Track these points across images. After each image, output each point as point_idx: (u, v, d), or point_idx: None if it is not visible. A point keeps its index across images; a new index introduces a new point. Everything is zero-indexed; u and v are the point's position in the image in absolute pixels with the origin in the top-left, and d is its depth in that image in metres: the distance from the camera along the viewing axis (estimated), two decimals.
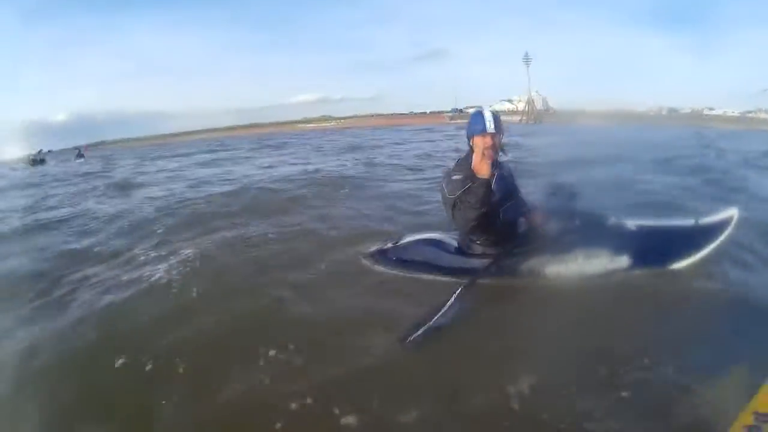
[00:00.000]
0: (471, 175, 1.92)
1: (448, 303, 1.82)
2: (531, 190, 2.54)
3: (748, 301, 1.91)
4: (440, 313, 1.78)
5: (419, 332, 1.68)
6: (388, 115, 61.83)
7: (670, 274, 2.14)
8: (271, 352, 1.67)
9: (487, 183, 1.84)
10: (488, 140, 2.02)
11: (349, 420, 1.29)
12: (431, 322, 1.73)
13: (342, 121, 61.44)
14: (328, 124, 56.95)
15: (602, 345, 1.60)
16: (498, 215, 2.08)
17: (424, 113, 58.56)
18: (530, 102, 42.13)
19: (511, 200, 2.18)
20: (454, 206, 1.98)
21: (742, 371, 1.35)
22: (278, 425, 1.31)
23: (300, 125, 56.50)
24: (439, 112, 55.44)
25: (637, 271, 2.11)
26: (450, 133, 16.54)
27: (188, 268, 2.58)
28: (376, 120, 56.16)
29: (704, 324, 1.74)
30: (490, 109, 2.08)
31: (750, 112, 38.73)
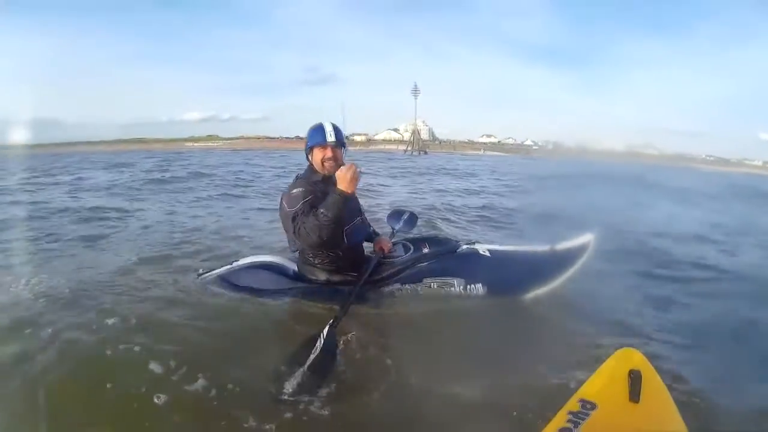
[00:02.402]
0: (313, 190, 1.83)
1: (318, 345, 1.53)
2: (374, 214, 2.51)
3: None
4: (312, 359, 1.50)
5: (294, 385, 1.41)
6: (277, 138, 60.89)
7: (522, 301, 2.15)
8: None
9: (347, 197, 1.71)
10: (328, 152, 1.94)
11: None
12: (304, 370, 1.45)
13: (229, 142, 58.52)
14: (214, 144, 53.79)
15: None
16: (342, 237, 1.94)
17: None
18: (415, 132, 44.64)
19: (355, 221, 2.06)
20: (294, 220, 1.77)
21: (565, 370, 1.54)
22: None
23: (187, 144, 52.34)
24: None
25: (492, 299, 2.09)
26: None
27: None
28: (267, 143, 54.99)
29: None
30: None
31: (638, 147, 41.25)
